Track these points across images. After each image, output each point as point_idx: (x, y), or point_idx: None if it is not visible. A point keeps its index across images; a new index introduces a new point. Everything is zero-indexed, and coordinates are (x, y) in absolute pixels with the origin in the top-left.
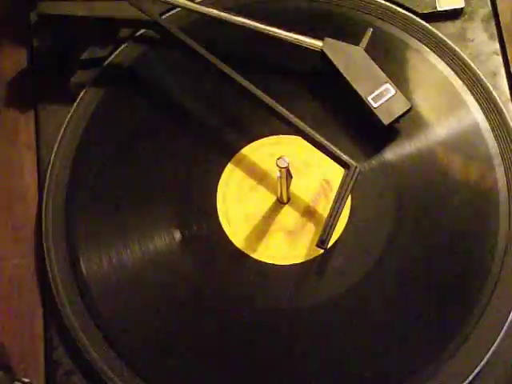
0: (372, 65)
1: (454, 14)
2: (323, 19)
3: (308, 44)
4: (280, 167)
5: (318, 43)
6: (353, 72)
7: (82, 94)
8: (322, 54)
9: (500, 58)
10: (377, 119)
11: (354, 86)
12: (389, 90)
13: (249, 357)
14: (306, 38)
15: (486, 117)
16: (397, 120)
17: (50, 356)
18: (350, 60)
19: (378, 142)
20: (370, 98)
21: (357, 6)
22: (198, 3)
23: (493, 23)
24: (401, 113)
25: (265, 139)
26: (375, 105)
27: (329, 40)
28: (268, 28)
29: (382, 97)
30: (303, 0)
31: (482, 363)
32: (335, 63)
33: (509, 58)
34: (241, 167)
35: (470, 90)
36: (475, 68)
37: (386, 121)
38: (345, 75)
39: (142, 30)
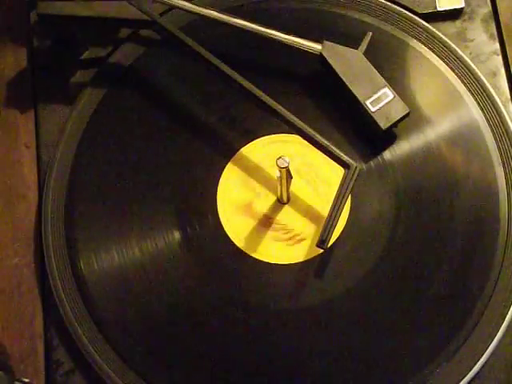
0: (371, 69)
1: (454, 14)
2: (323, 19)
3: (307, 47)
4: (280, 167)
5: (317, 46)
6: (351, 76)
7: (81, 93)
8: (320, 57)
9: (500, 58)
10: (375, 123)
11: (353, 89)
12: (387, 94)
13: (249, 356)
14: (305, 41)
15: (486, 117)
16: (395, 125)
17: (50, 356)
18: (349, 64)
19: (378, 142)
20: (368, 102)
21: (357, 6)
22: (197, 4)
23: (493, 23)
24: (399, 117)
25: (264, 139)
26: (373, 109)
27: (328, 43)
28: (267, 31)
29: (380, 101)
30: (303, 1)
31: (482, 363)
32: (334, 67)
33: (509, 57)
34: (241, 167)
35: (470, 90)
36: (475, 68)
37: (383, 125)
38: (343, 79)
39: (142, 30)
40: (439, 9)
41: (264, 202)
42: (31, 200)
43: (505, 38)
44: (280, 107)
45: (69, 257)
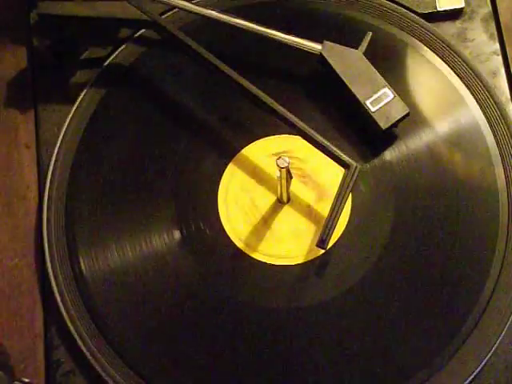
0: (371, 69)
1: (454, 14)
2: (323, 19)
3: (307, 47)
4: (280, 167)
5: (317, 46)
6: (351, 76)
7: (82, 94)
8: (320, 57)
9: (500, 58)
10: (375, 123)
11: (353, 89)
12: (387, 94)
13: (249, 356)
14: (306, 41)
15: (486, 117)
16: (395, 125)
17: (50, 356)
18: (349, 64)
19: (378, 142)
20: (368, 102)
21: (357, 6)
22: (197, 4)
23: (493, 23)
24: (399, 117)
25: (265, 139)
26: (373, 109)
27: (328, 43)
28: (267, 31)
29: (380, 101)
30: (303, 1)
31: (482, 363)
32: (334, 67)
33: (509, 57)
34: (241, 167)
35: (470, 90)
36: (476, 68)
37: (383, 125)
38: (343, 79)
39: (142, 30)
40: (439, 9)
41: (264, 202)
42: (31, 200)
43: (505, 38)
44: (280, 107)
45: (69, 257)
